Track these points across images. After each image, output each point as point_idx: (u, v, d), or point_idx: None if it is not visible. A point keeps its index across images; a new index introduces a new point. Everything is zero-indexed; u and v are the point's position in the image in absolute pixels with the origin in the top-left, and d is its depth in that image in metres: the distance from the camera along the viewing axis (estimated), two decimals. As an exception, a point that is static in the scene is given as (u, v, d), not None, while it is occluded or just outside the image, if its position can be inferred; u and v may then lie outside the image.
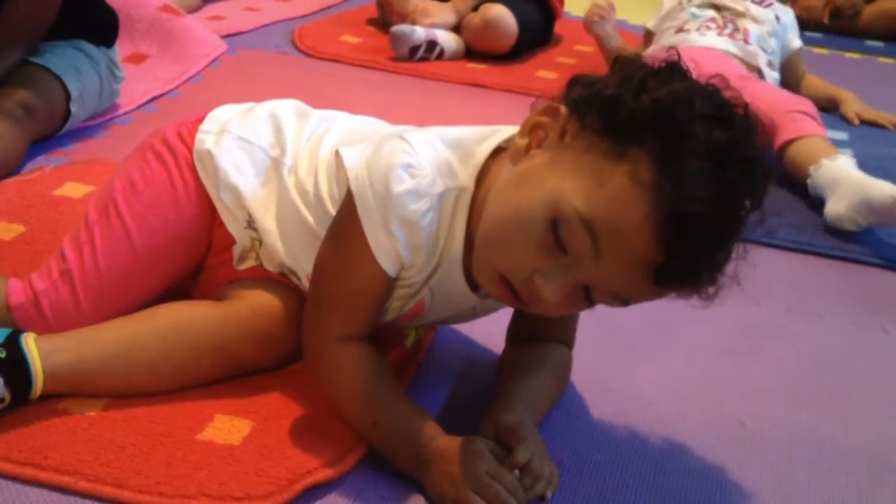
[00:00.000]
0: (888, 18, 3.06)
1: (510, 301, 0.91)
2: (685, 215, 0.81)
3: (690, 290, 0.87)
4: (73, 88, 1.62)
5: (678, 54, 0.90)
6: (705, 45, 2.03)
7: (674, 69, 0.87)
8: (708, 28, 2.09)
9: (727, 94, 0.86)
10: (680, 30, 2.11)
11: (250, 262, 1.09)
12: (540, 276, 0.86)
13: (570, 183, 0.84)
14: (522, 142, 0.90)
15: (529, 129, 0.90)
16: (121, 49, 1.80)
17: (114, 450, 0.93)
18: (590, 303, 0.89)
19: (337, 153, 0.96)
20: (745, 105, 0.86)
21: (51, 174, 1.49)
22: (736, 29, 2.09)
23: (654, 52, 1.98)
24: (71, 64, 1.64)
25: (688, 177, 0.81)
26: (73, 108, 1.63)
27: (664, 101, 0.82)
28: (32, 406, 0.96)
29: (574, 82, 0.90)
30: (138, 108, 1.82)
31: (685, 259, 0.83)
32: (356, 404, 0.97)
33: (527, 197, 0.86)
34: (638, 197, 0.82)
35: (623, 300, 0.88)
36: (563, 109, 0.88)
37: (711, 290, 0.87)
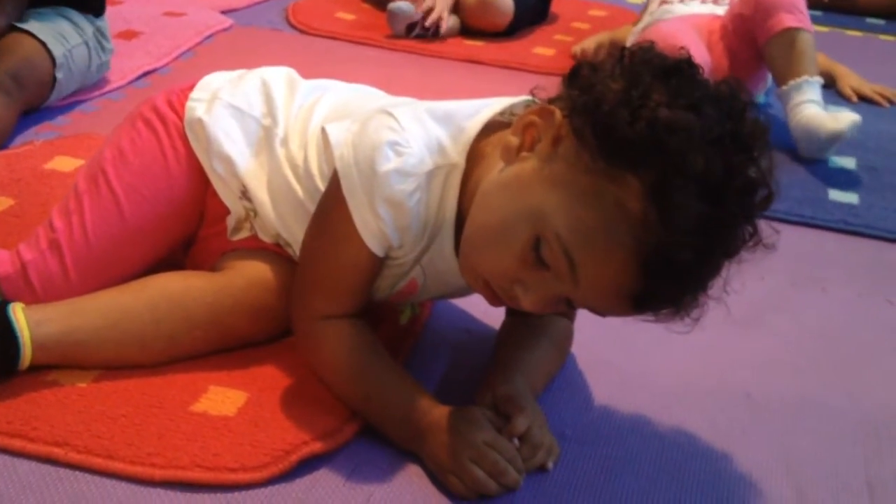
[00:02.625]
0: (888, -6, 3.03)
1: (493, 302, 0.90)
2: (671, 257, 0.78)
3: (672, 315, 0.84)
4: (57, 55, 1.59)
5: (652, 43, 0.85)
6: (686, 14, 2.01)
7: (684, 71, 0.81)
8: None
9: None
10: (664, 1, 2.09)
11: (245, 233, 1.07)
12: (520, 287, 0.85)
13: (557, 201, 0.81)
14: (515, 140, 0.86)
15: (523, 129, 0.86)
16: (115, 24, 1.78)
17: (105, 421, 0.91)
18: (571, 308, 0.88)
19: (323, 130, 0.93)
20: (756, 112, 0.81)
21: (41, 148, 1.47)
22: None
23: (641, 35, 1.97)
24: (55, 30, 1.61)
25: (678, 218, 0.77)
26: (59, 74, 1.60)
27: (660, 130, 0.77)
28: (21, 377, 0.94)
29: (574, 76, 0.85)
30: (129, 83, 1.80)
31: (667, 293, 0.82)
32: (346, 380, 0.95)
33: (512, 209, 0.84)
34: (624, 229, 0.78)
35: (601, 314, 0.87)
36: (559, 115, 0.83)
37: (694, 313, 0.84)
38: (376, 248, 0.91)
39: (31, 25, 1.58)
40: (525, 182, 0.84)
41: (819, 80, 1.76)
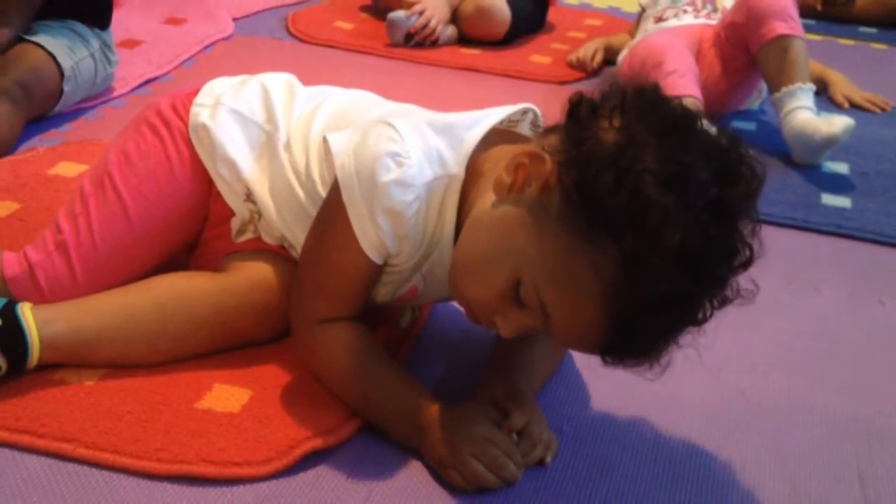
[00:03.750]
0: (882, 6, 3.06)
1: (475, 322, 0.93)
2: (638, 323, 0.80)
3: (638, 364, 0.85)
4: (65, 67, 1.61)
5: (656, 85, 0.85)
6: (678, 26, 2.04)
7: (682, 128, 0.81)
8: (684, 12, 2.10)
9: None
10: (660, 19, 2.13)
11: (249, 235, 1.09)
12: (500, 318, 0.88)
13: (537, 251, 0.83)
14: (506, 178, 0.87)
15: (515, 168, 0.87)
16: (117, 33, 1.80)
17: (111, 418, 0.92)
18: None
19: (324, 139, 0.95)
20: (753, 164, 0.81)
21: (45, 154, 1.49)
22: (714, 9, 2.10)
23: (631, 49, 2.00)
24: (63, 42, 1.63)
25: (648, 291, 0.78)
26: (66, 87, 1.62)
27: (639, 205, 0.77)
28: (29, 375, 0.96)
29: (573, 113, 0.84)
30: (131, 90, 1.82)
31: (633, 350, 0.84)
32: (343, 380, 0.97)
33: (497, 248, 0.86)
34: (597, 290, 0.80)
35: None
36: (549, 164, 0.83)
37: (663, 361, 0.85)
38: (375, 256, 0.93)
39: (41, 38, 1.61)
40: (511, 225, 0.86)
41: (812, 86, 1.79)
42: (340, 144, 0.93)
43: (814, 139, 1.72)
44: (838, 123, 1.71)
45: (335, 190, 0.93)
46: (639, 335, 0.82)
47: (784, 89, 1.77)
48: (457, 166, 0.92)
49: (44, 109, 1.61)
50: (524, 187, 0.86)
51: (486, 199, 0.89)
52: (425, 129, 0.93)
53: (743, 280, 0.83)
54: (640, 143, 0.79)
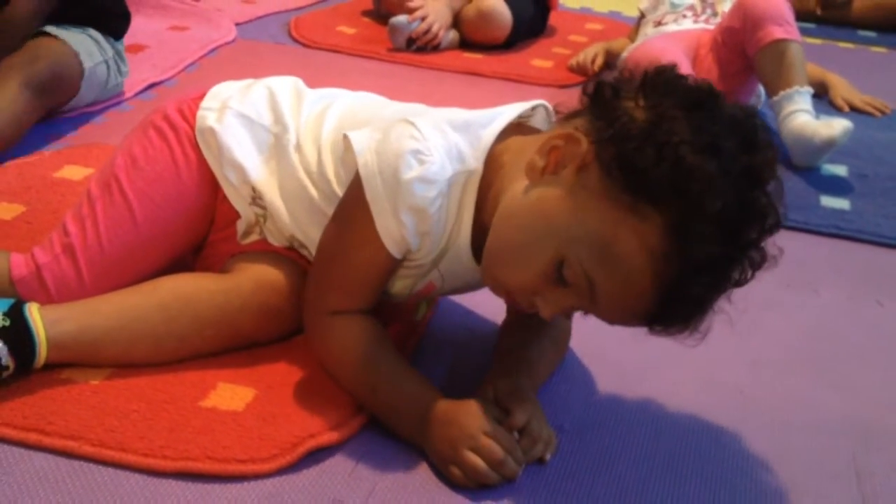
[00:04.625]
0: (880, 9, 3.07)
1: (513, 307, 0.96)
2: (686, 288, 0.84)
3: (681, 331, 0.89)
4: (86, 67, 1.65)
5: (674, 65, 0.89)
6: (676, 31, 2.06)
7: (706, 103, 0.85)
8: (684, 17, 2.11)
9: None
10: (659, 23, 2.14)
11: (254, 237, 1.10)
12: (540, 299, 0.90)
13: (581, 227, 0.85)
14: (539, 161, 0.89)
15: (548, 151, 0.89)
16: (132, 35, 1.84)
17: (117, 416, 0.94)
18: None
19: (345, 137, 0.96)
20: (768, 134, 0.86)
21: (50, 157, 1.50)
22: (714, 14, 2.11)
23: (630, 53, 2.01)
24: (84, 45, 1.67)
25: (695, 255, 0.82)
26: (83, 87, 1.66)
27: (683, 175, 0.81)
28: (36, 375, 0.97)
29: (597, 97, 0.88)
30: (136, 95, 1.83)
31: (679, 317, 0.87)
32: (353, 373, 0.98)
33: (537, 230, 0.88)
34: (644, 260, 0.83)
35: (612, 324, 0.92)
36: (585, 143, 0.86)
37: (702, 328, 0.89)
38: (395, 251, 0.95)
39: (68, 34, 1.65)
40: (550, 206, 0.88)
41: (809, 89, 1.80)
42: (362, 143, 0.94)
43: (812, 142, 1.73)
44: (837, 126, 1.72)
45: (356, 187, 0.95)
46: (685, 299, 0.85)
47: (782, 93, 1.79)
48: (476, 161, 0.94)
49: (59, 104, 1.65)
50: (558, 169, 0.88)
51: (516, 187, 0.91)
52: (445, 128, 0.95)
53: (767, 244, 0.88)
54: (670, 118, 0.83)
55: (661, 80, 0.87)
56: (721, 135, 0.83)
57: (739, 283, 0.87)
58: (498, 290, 0.95)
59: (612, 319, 0.91)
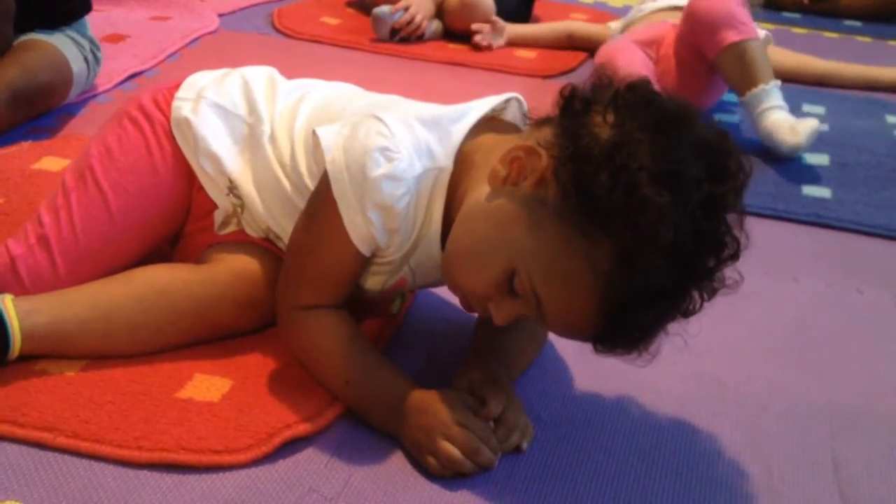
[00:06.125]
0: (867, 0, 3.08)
1: (467, 309, 0.95)
2: (631, 314, 0.83)
3: (628, 353, 0.88)
4: (75, 72, 1.66)
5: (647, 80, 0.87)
6: (654, 22, 2.05)
7: (674, 125, 0.82)
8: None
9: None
10: (630, 24, 2.14)
11: (232, 227, 1.09)
12: (493, 305, 0.90)
13: (532, 243, 0.85)
14: (501, 170, 0.88)
15: (510, 161, 0.88)
16: (101, 28, 1.82)
17: (92, 408, 0.93)
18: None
19: (314, 133, 0.96)
20: (740, 158, 0.84)
21: (29, 149, 1.49)
22: None
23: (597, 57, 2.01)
24: (71, 51, 1.67)
25: (642, 284, 0.81)
26: (71, 93, 1.67)
27: (635, 204, 0.79)
28: (10, 366, 0.96)
29: (567, 108, 0.87)
30: (116, 85, 1.82)
31: (624, 340, 0.86)
32: (325, 365, 0.98)
33: (492, 240, 0.88)
34: (590, 282, 0.82)
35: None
36: (545, 159, 0.85)
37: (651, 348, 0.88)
38: (364, 248, 0.94)
39: (58, 40, 1.65)
40: (506, 217, 0.87)
41: (776, 82, 1.78)
42: (330, 139, 0.94)
43: (781, 149, 1.74)
44: (802, 132, 1.71)
45: (324, 183, 0.94)
46: (630, 325, 0.84)
47: (748, 93, 1.77)
48: (445, 159, 0.94)
49: (47, 109, 1.64)
50: (519, 180, 0.87)
51: (480, 191, 0.91)
52: (414, 123, 0.94)
53: (728, 271, 0.86)
54: (634, 140, 0.81)
55: (633, 96, 0.85)
56: (685, 161, 0.80)
57: (689, 314, 0.86)
58: (455, 290, 0.95)
59: (557, 333, 0.93)
